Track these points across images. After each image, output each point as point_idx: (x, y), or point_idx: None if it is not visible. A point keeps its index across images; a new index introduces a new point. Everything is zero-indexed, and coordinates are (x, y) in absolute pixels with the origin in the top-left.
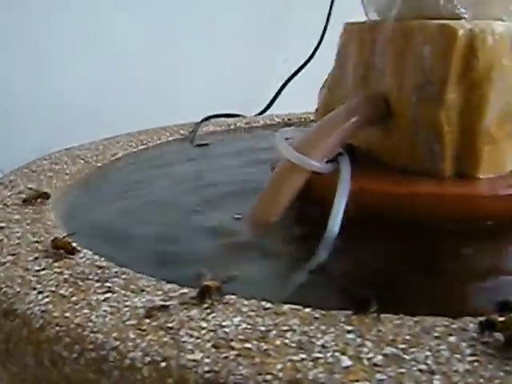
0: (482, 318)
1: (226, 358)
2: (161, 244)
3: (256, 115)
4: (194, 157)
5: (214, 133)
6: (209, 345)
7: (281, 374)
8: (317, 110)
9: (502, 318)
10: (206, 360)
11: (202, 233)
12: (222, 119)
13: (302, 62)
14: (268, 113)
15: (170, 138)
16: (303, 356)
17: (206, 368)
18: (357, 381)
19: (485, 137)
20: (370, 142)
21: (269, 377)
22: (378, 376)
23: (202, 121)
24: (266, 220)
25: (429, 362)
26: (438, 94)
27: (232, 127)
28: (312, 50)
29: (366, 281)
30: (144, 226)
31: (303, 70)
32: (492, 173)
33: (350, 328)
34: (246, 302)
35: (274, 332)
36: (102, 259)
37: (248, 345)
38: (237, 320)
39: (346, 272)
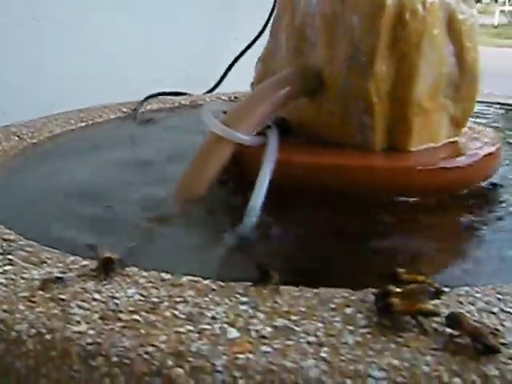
0: (378, 289)
1: (112, 329)
2: (84, 219)
3: (205, 93)
4: (132, 134)
5: (158, 111)
6: (96, 316)
7: (163, 346)
8: (252, 83)
9: (398, 289)
10: (91, 332)
11: (128, 206)
12: (168, 97)
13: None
14: (217, 91)
15: (111, 116)
16: (190, 328)
17: (89, 340)
18: (240, 353)
19: (416, 108)
20: (302, 115)
21: (151, 349)
22: (264, 348)
23: (146, 99)
24: (192, 193)
25: (319, 333)
26: (367, 64)
27: (177, 105)
28: (260, 30)
29: (281, 254)
30: (69, 201)
31: (253, 48)
32: (424, 145)
33: (245, 300)
34: (145, 274)
35: (166, 303)
36: (12, 232)
37: (136, 316)
38: (131, 291)
39: (261, 245)
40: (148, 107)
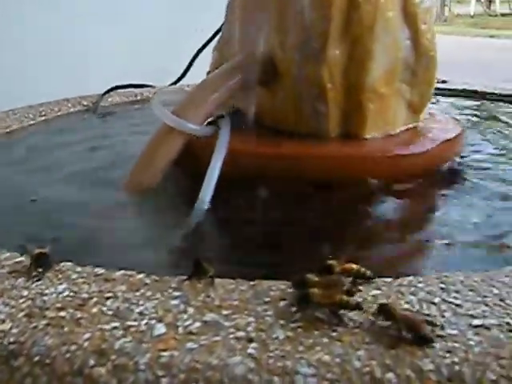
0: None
1: (35, 328)
2: (26, 214)
3: (170, 85)
4: (92, 126)
5: (120, 104)
6: (22, 314)
7: (86, 344)
8: (209, 72)
9: (317, 278)
10: (14, 330)
11: (72, 200)
12: (131, 90)
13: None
14: (182, 82)
15: (71, 110)
16: (115, 324)
17: (12, 339)
18: (165, 350)
19: (371, 94)
20: (257, 104)
21: (73, 347)
22: (189, 345)
23: (107, 92)
24: (141, 185)
25: (249, 328)
26: (319, 50)
27: (140, 98)
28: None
29: (225, 246)
30: (11, 196)
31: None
32: (380, 132)
33: (177, 294)
34: (78, 269)
35: (95, 299)
36: None
37: (62, 313)
38: (61, 287)
39: (206, 238)
40: (110, 100)
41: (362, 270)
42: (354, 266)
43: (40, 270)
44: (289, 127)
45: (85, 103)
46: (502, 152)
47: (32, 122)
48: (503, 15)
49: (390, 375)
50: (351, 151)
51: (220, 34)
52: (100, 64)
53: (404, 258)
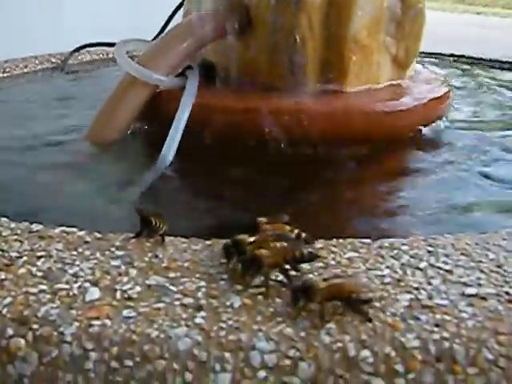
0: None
1: None
2: None
3: None
4: (55, 85)
5: (89, 62)
6: None
7: (5, 310)
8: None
9: (252, 238)
10: None
11: (34, 152)
12: (102, 48)
13: None
14: None
15: (39, 67)
16: (43, 287)
17: None
18: (96, 318)
19: (353, 45)
20: (229, 56)
21: None
22: (126, 312)
23: (77, 49)
24: (102, 139)
25: (199, 294)
26: None
27: (111, 56)
28: None
29: (182, 204)
30: None
31: None
32: (362, 86)
33: (120, 253)
34: (12, 225)
35: (25, 258)
36: None
37: None
38: None
39: (162, 195)
40: (80, 58)
41: (296, 231)
42: (287, 227)
43: None
44: (262, 80)
45: (53, 60)
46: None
47: None
48: None
49: (366, 353)
50: (329, 106)
51: None
52: (72, 22)
53: (386, 221)
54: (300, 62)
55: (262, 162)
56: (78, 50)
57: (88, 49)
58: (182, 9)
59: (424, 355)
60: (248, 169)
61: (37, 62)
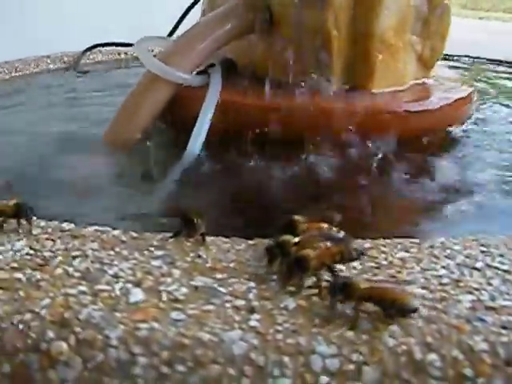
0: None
1: None
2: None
3: None
4: (70, 84)
5: (102, 62)
6: None
7: (44, 312)
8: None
9: (296, 239)
10: None
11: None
12: (115, 48)
13: None
14: None
15: (51, 66)
16: (83, 288)
17: None
18: (143, 321)
19: (380, 44)
20: (251, 54)
21: (28, 316)
22: (174, 315)
23: (89, 49)
24: (124, 137)
25: (250, 296)
26: None
27: (123, 56)
28: None
29: (213, 203)
30: None
31: None
32: (388, 86)
33: (160, 253)
34: (42, 223)
35: (60, 258)
36: None
37: (19, 275)
38: (20, 244)
39: (192, 193)
40: (91, 57)
41: (334, 228)
42: (324, 225)
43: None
44: (287, 79)
45: (66, 60)
46: None
47: (6, 77)
48: None
49: (433, 356)
50: (356, 105)
51: None
52: (81, 22)
53: (429, 221)
54: (326, 61)
55: (292, 160)
56: (89, 49)
57: (99, 48)
58: (195, 8)
59: (493, 359)
60: (278, 167)
61: (49, 61)
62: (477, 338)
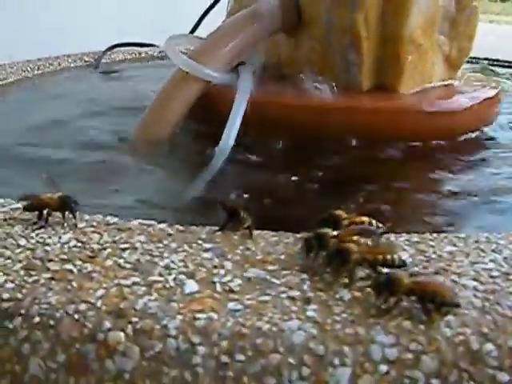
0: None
1: (36, 282)
2: (35, 162)
3: None
4: (92, 82)
5: (122, 61)
6: (19, 266)
7: (100, 303)
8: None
9: (335, 232)
10: (9, 285)
11: (81, 150)
12: (134, 48)
13: None
14: None
15: (71, 65)
16: (136, 279)
17: (6, 295)
18: (201, 311)
19: (409, 45)
20: (280, 53)
21: (83, 306)
22: (231, 305)
23: (109, 48)
24: (154, 135)
25: (305, 287)
26: None
27: (143, 56)
28: None
29: (252, 198)
30: (25, 145)
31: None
32: (416, 86)
33: (208, 246)
34: (86, 217)
35: (109, 251)
36: None
37: (69, 266)
38: (66, 237)
39: (230, 188)
40: (112, 56)
41: (374, 222)
42: (365, 219)
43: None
44: (315, 78)
45: (86, 59)
46: None
47: (29, 75)
48: (503, 0)
49: (490, 346)
50: (390, 104)
51: None
52: (99, 23)
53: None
54: (355, 61)
55: (325, 159)
56: (110, 49)
57: (119, 48)
58: (215, 7)
59: None
60: (312, 165)
61: (69, 60)
62: None
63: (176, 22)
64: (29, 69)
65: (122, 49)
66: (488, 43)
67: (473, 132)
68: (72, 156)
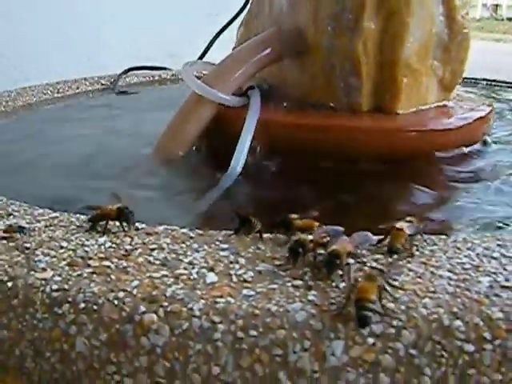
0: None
1: (79, 275)
2: (61, 176)
3: None
4: (110, 104)
5: (137, 84)
6: (64, 263)
7: (135, 291)
8: (234, 48)
9: (310, 237)
10: (57, 278)
11: (104, 166)
12: (148, 71)
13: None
14: None
15: (89, 88)
16: (165, 273)
17: (55, 286)
18: (220, 296)
19: (404, 69)
20: (286, 77)
21: (122, 294)
22: (246, 292)
23: (126, 71)
24: (171, 154)
25: (306, 278)
26: (354, 22)
27: (157, 79)
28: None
29: (262, 208)
30: (52, 164)
31: (235, 23)
32: (412, 107)
33: (225, 246)
34: (117, 223)
35: (140, 250)
36: None
37: (107, 263)
38: (102, 240)
39: (241, 200)
40: (127, 80)
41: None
42: (316, 223)
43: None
44: (319, 101)
45: (103, 82)
46: None
47: (49, 97)
48: (509, 19)
49: (458, 323)
50: (388, 124)
51: (247, 9)
52: (112, 47)
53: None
54: (355, 84)
55: (316, 176)
56: (126, 72)
57: (135, 71)
58: (223, 33)
59: (507, 325)
60: (314, 179)
61: (87, 83)
62: (494, 309)
63: (184, 47)
64: (49, 92)
65: (137, 72)
66: (491, 61)
67: (464, 148)
68: (100, 171)
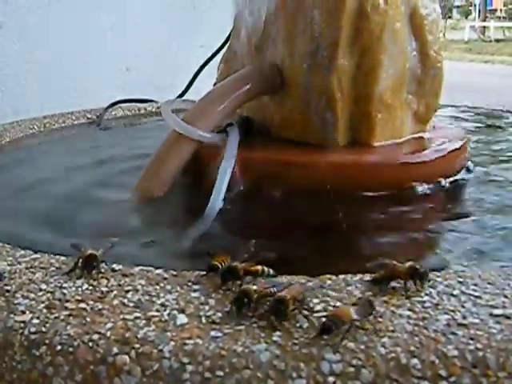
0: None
1: (56, 318)
2: (38, 217)
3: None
4: (96, 139)
5: (123, 117)
6: (42, 306)
7: (109, 333)
8: (215, 84)
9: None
10: (35, 321)
11: (84, 205)
12: (133, 104)
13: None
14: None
15: (75, 122)
16: (138, 315)
17: (33, 329)
18: (189, 338)
19: (379, 104)
20: (264, 113)
21: (96, 336)
22: (213, 333)
23: (111, 105)
24: (151, 193)
25: (272, 318)
26: (328, 59)
27: (142, 112)
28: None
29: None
30: (24, 201)
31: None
32: (387, 141)
33: (196, 287)
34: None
35: (115, 292)
36: None
37: (83, 305)
38: (79, 282)
39: (219, 240)
40: (113, 113)
41: (266, 270)
42: (259, 267)
43: (90, 270)
44: (297, 136)
45: (89, 116)
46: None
47: (35, 132)
48: (497, 41)
49: (415, 361)
50: (359, 158)
51: (226, 46)
52: (99, 79)
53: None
54: (331, 120)
55: (303, 207)
56: (111, 106)
57: (120, 105)
58: (206, 67)
59: (462, 362)
60: (291, 214)
61: (73, 117)
62: (450, 347)
63: (170, 79)
64: (36, 126)
65: (122, 105)
66: (485, 83)
67: (438, 181)
68: (79, 211)
